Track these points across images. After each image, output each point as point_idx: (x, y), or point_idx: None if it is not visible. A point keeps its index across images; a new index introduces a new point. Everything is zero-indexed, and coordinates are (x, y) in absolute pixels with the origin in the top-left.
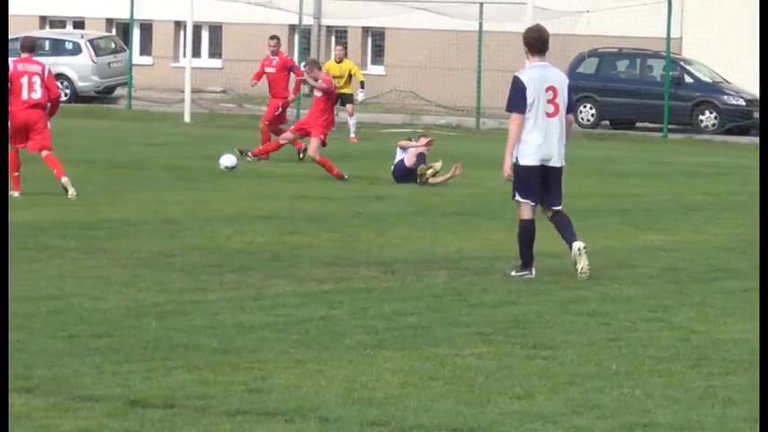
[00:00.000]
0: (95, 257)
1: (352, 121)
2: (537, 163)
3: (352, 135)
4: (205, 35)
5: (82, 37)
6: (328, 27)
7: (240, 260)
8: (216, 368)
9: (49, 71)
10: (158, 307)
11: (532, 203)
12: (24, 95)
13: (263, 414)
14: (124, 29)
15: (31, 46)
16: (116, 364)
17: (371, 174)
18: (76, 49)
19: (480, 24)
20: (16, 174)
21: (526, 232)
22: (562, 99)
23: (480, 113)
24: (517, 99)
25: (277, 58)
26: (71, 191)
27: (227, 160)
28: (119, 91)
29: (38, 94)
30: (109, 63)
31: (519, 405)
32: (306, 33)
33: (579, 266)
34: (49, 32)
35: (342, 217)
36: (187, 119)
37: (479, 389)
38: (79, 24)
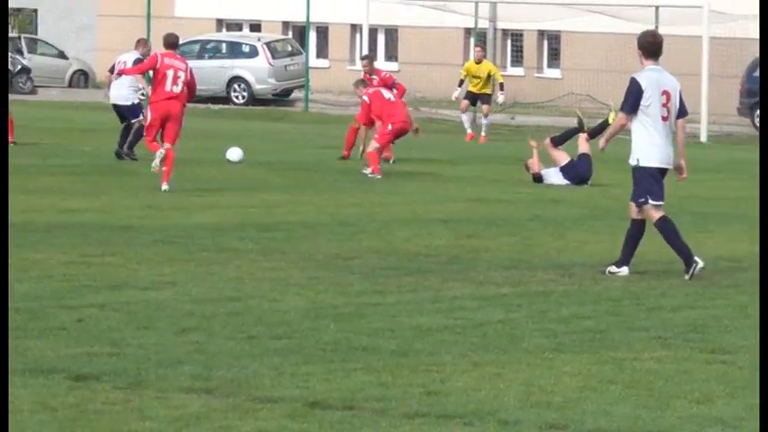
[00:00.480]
0: (273, 259)
1: (484, 122)
2: (659, 165)
3: (483, 134)
4: (381, 38)
5: (259, 40)
6: (504, 30)
7: (418, 263)
8: (394, 370)
9: (191, 70)
10: (336, 309)
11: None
12: (168, 87)
13: (442, 417)
14: (300, 32)
15: (174, 43)
16: (295, 366)
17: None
18: (253, 52)
19: (656, 28)
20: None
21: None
22: (674, 104)
23: None
24: (632, 100)
25: (375, 77)
26: (164, 187)
27: (233, 154)
28: (295, 93)
29: (179, 88)
30: (285, 66)
31: (698, 409)
32: (481, 37)
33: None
34: (225, 35)
35: (519, 220)
36: None
37: (658, 393)
38: (256, 27)
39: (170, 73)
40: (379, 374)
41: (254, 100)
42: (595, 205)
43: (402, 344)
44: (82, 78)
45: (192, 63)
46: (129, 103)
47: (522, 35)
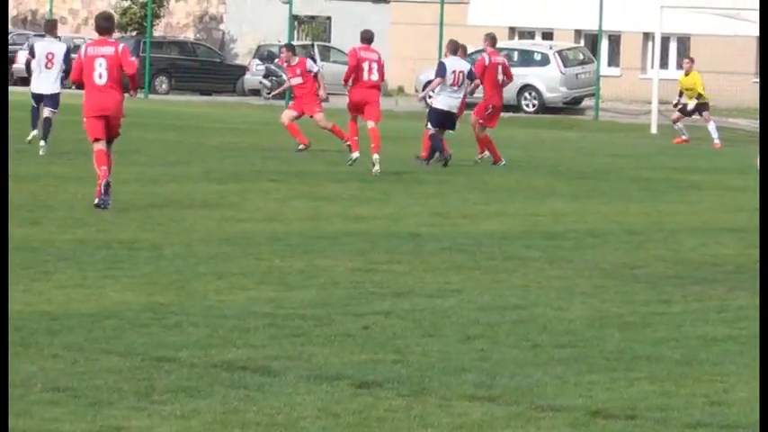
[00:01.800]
0: (559, 268)
1: (711, 126)
2: None
3: (716, 141)
4: (673, 46)
5: (551, 48)
6: None
7: (704, 272)
8: (678, 380)
9: (379, 58)
10: (621, 318)
11: None
12: (365, 77)
13: (725, 427)
14: (592, 40)
15: (370, 39)
16: (578, 375)
17: None
18: (545, 61)
19: None
20: (355, 138)
21: None
22: None
23: None
24: None
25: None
26: (376, 168)
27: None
28: (586, 102)
29: (375, 76)
30: (577, 74)
31: None
32: None
33: None
34: (517, 43)
35: None
36: (654, 130)
37: None
38: (548, 35)
39: (365, 65)
40: (662, 384)
41: (545, 108)
42: None
43: (686, 353)
44: None
45: None
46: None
47: None
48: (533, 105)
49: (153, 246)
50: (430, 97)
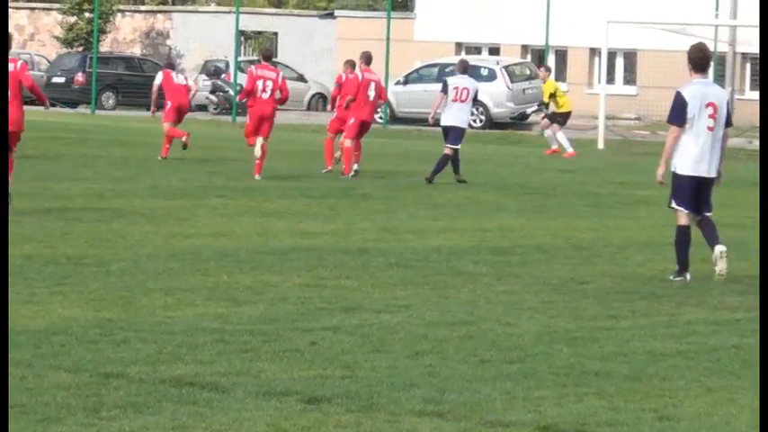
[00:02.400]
0: (508, 283)
1: (560, 137)
2: (692, 173)
3: (569, 150)
4: (620, 62)
5: (497, 63)
6: (743, 54)
7: (652, 287)
8: (627, 395)
9: (283, 77)
10: (570, 333)
11: (686, 211)
12: (258, 94)
13: None
14: (539, 55)
15: (269, 56)
16: (527, 390)
17: None
18: (492, 76)
19: None
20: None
21: (680, 237)
22: (720, 115)
23: None
24: (677, 113)
25: None
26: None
27: None
28: (533, 117)
29: (267, 95)
30: (524, 89)
31: None
32: (720, 60)
33: (718, 269)
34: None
35: (753, 245)
36: (601, 145)
37: None
38: (495, 51)
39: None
40: (611, 399)
41: (492, 123)
42: None
43: (635, 369)
44: (321, 101)
45: (431, 86)
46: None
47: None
48: (480, 121)
49: (100, 261)
50: (437, 114)
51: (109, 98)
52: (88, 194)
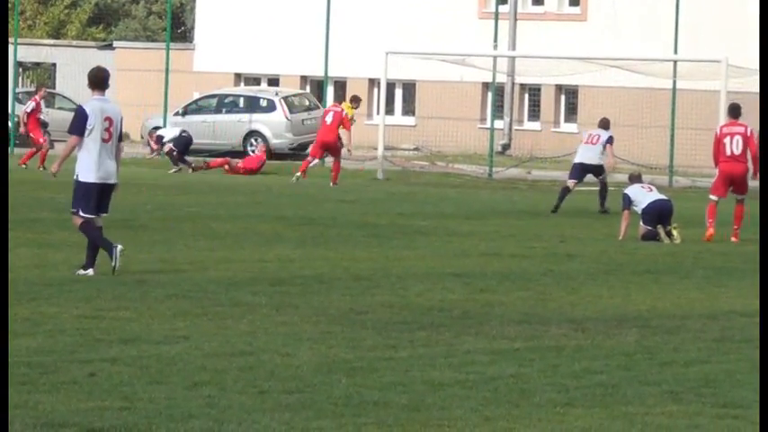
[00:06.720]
0: (287, 314)
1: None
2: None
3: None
4: (399, 92)
5: (276, 94)
6: (522, 84)
7: (431, 317)
8: (406, 425)
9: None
10: (349, 363)
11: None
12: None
13: None
14: (319, 86)
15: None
16: (306, 421)
17: (562, 231)
18: (271, 107)
19: (674, 83)
20: None
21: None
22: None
23: (673, 171)
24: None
25: None
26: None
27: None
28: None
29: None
30: (303, 120)
31: None
32: (499, 91)
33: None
34: (243, 90)
35: (533, 275)
36: (380, 176)
37: None
38: (274, 82)
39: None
40: (390, 429)
41: (271, 154)
42: (609, 260)
43: (414, 398)
44: None
45: (210, 117)
46: None
47: (539, 89)
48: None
49: None
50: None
51: None
52: None
